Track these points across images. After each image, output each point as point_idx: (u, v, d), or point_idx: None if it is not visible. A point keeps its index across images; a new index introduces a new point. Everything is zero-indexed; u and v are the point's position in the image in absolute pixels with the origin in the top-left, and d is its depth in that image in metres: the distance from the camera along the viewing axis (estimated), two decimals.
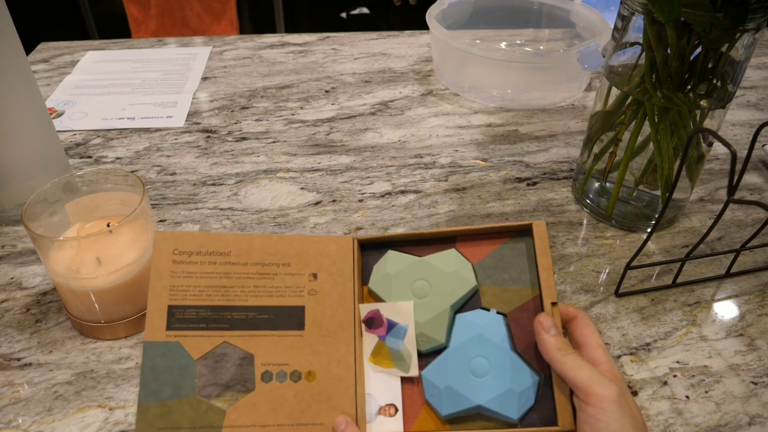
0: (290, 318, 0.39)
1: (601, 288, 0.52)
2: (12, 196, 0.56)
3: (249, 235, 0.40)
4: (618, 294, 0.51)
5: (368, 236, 0.42)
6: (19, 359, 0.45)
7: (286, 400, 0.37)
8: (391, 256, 0.42)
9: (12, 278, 0.52)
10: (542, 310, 0.39)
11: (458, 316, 0.40)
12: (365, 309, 0.40)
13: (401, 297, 0.40)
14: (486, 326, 0.38)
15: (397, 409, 0.38)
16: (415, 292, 0.40)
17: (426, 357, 0.39)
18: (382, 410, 0.38)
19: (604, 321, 0.49)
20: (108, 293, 0.44)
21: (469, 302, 0.40)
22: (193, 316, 0.37)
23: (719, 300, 0.51)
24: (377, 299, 0.41)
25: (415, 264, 0.41)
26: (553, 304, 0.38)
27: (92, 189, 0.48)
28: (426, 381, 0.38)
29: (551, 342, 0.35)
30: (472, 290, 0.40)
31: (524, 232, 0.42)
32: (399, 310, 0.40)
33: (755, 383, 0.44)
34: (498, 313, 0.39)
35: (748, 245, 0.52)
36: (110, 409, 0.42)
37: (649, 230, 0.53)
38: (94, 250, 0.44)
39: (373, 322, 0.40)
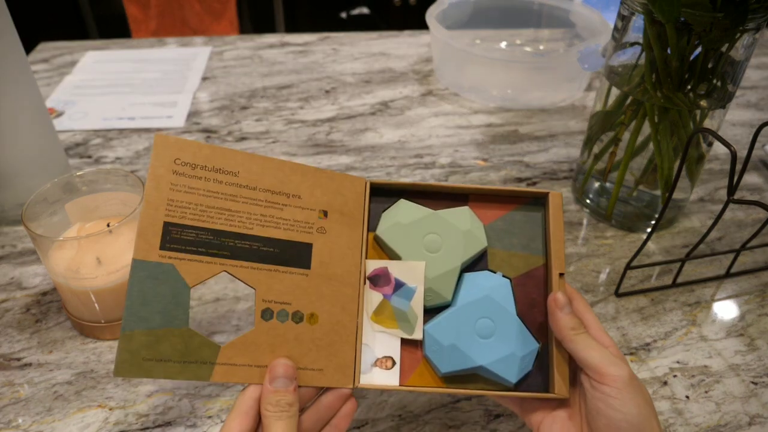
0: (297, 255, 0.36)
1: (601, 288, 0.52)
2: (12, 196, 0.56)
3: (261, 157, 0.37)
4: (618, 294, 0.51)
5: (381, 180, 0.41)
6: (19, 359, 0.45)
7: (286, 341, 0.35)
8: (403, 204, 0.40)
9: (12, 278, 0.52)
10: (547, 279, 0.39)
11: (465, 275, 0.39)
12: (372, 265, 0.39)
13: (411, 249, 0.39)
14: (494, 288, 0.38)
15: (394, 362, 0.37)
16: (427, 245, 0.39)
17: (427, 313, 0.38)
18: (378, 362, 0.37)
19: (604, 321, 0.49)
20: (108, 293, 0.44)
21: (477, 262, 0.40)
22: (192, 238, 0.34)
23: (719, 300, 0.51)
24: (384, 247, 0.39)
25: (428, 217, 0.40)
26: (561, 275, 0.38)
27: (92, 189, 0.48)
28: (428, 336, 0.37)
29: (565, 320, 0.35)
30: (482, 251, 0.40)
31: (539, 200, 0.41)
32: (410, 269, 0.38)
33: (755, 383, 0.44)
34: (504, 276, 0.39)
35: (748, 245, 0.52)
36: (110, 409, 0.42)
37: (649, 230, 0.53)
38: (94, 250, 0.44)
39: (379, 279, 0.39)
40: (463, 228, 0.40)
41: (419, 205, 0.40)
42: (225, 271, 0.34)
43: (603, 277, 0.53)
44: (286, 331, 0.35)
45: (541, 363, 0.38)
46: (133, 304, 0.32)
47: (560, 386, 0.36)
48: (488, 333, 0.37)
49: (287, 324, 0.35)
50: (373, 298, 0.38)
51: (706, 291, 0.52)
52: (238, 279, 0.35)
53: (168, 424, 0.41)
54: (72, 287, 0.43)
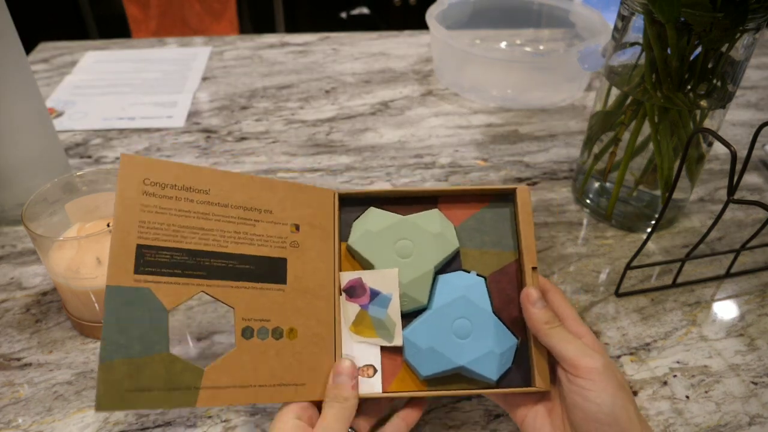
0: (272, 270, 0.36)
1: (601, 288, 0.52)
2: (12, 196, 0.56)
3: (231, 173, 0.36)
4: (618, 294, 0.51)
5: (349, 191, 0.41)
6: (19, 359, 0.45)
7: (268, 358, 0.34)
8: (373, 213, 0.41)
9: (12, 278, 0.52)
10: (521, 274, 0.39)
11: (440, 277, 0.40)
12: (346, 277, 0.39)
13: (384, 256, 0.39)
14: (468, 288, 0.39)
15: (375, 370, 0.37)
16: (399, 251, 0.39)
17: (405, 317, 0.39)
18: (360, 371, 0.37)
19: (604, 321, 0.49)
20: None
21: (450, 263, 0.40)
22: (167, 260, 0.33)
23: (719, 300, 0.51)
24: (357, 257, 0.40)
25: (398, 223, 0.40)
26: (534, 269, 0.39)
27: (92, 189, 0.48)
28: (407, 341, 0.38)
29: (538, 315, 0.35)
30: (455, 252, 0.40)
31: (507, 196, 0.42)
32: (383, 277, 0.39)
33: (755, 383, 0.44)
34: (477, 275, 0.40)
35: (748, 245, 0.52)
36: (104, 411, 0.42)
37: (649, 230, 0.53)
38: (94, 250, 0.44)
39: (354, 291, 0.39)
40: (434, 231, 0.40)
41: (389, 212, 0.41)
42: (203, 291, 0.34)
43: (603, 277, 0.53)
44: (267, 348, 0.35)
45: (521, 358, 0.38)
46: (110, 332, 0.30)
47: (540, 379, 0.36)
48: (466, 333, 0.38)
49: (268, 341, 0.35)
50: (350, 309, 0.38)
51: (706, 291, 0.52)
52: (217, 299, 0.34)
53: (168, 424, 0.41)
54: (72, 287, 0.43)
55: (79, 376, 0.44)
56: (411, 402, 0.38)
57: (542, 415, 0.36)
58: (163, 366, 0.31)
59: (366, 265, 0.40)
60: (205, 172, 0.35)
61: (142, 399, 0.30)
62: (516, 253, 0.40)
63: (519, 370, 0.38)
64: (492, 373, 0.37)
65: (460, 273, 0.40)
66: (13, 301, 0.50)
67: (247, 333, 0.34)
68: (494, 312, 0.39)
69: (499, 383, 0.37)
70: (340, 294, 0.39)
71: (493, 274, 0.40)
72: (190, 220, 0.34)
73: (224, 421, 0.41)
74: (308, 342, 0.36)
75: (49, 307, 0.49)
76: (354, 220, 0.41)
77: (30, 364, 0.45)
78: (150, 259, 0.32)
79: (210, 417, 0.41)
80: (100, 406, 0.29)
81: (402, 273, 0.39)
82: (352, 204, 0.41)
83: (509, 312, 0.39)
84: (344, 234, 0.40)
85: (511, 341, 0.38)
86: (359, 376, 0.37)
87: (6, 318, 0.48)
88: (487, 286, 0.39)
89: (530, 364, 0.37)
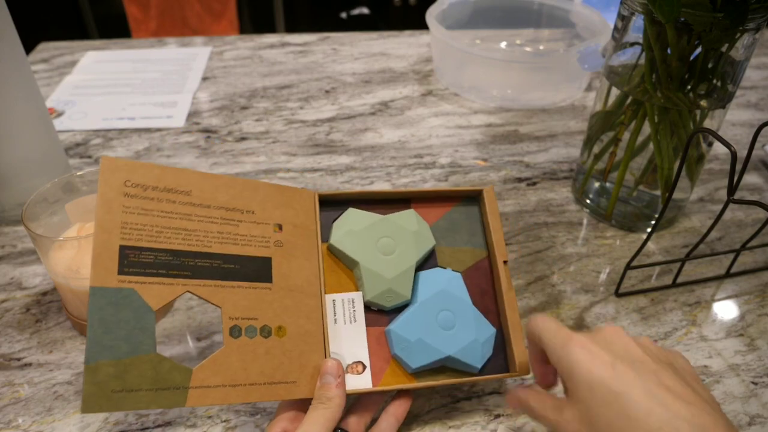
0: (258, 269, 0.36)
1: (601, 288, 0.52)
2: (12, 196, 0.56)
3: (212, 175, 0.37)
4: (618, 294, 0.51)
5: (327, 192, 0.42)
6: (19, 359, 0.45)
7: (258, 357, 0.34)
8: (352, 213, 0.42)
9: (12, 278, 0.52)
10: (492, 268, 0.43)
11: (419, 273, 0.42)
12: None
13: (367, 253, 0.41)
14: (448, 282, 0.41)
15: (364, 367, 0.38)
16: (381, 249, 0.41)
17: (390, 313, 0.41)
18: (349, 368, 0.38)
19: (604, 321, 0.49)
20: None
21: (426, 261, 0.43)
22: (150, 260, 0.33)
23: (719, 300, 0.51)
24: (339, 255, 0.41)
25: (379, 222, 0.42)
26: (504, 262, 0.42)
27: (92, 189, 0.48)
28: (395, 335, 0.39)
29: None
30: (431, 249, 0.43)
31: (474, 197, 0.45)
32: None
33: (755, 383, 0.44)
34: (453, 271, 0.42)
35: (748, 245, 0.52)
36: (90, 413, 0.42)
37: (649, 230, 0.53)
38: None
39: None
40: (413, 229, 0.42)
41: (368, 212, 0.42)
42: (188, 291, 0.34)
43: (603, 277, 0.53)
44: (256, 346, 0.35)
45: (498, 347, 0.41)
46: (95, 333, 0.30)
47: (519, 365, 0.39)
48: (450, 324, 0.40)
49: (256, 339, 0.35)
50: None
51: (706, 291, 0.52)
52: (202, 298, 0.34)
53: (168, 424, 0.41)
54: (72, 287, 0.43)
55: (79, 376, 0.44)
56: (398, 396, 0.39)
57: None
58: (151, 366, 0.31)
59: (349, 263, 0.41)
60: (186, 173, 0.36)
61: (129, 400, 0.30)
62: (486, 251, 0.44)
63: (499, 357, 0.41)
64: (476, 361, 0.39)
65: (437, 269, 0.42)
66: (13, 301, 0.50)
67: (234, 332, 0.34)
68: (473, 304, 0.41)
69: (481, 371, 0.40)
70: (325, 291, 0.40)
71: (467, 270, 0.43)
72: (172, 221, 0.34)
73: (224, 421, 0.41)
74: (298, 340, 0.36)
75: (49, 307, 0.49)
76: (332, 221, 0.42)
77: (30, 364, 0.45)
78: (133, 260, 0.32)
79: (210, 417, 0.41)
80: (86, 408, 0.29)
81: (386, 269, 0.41)
82: (328, 205, 0.43)
83: (484, 304, 0.42)
84: (323, 235, 0.42)
85: (490, 330, 0.41)
86: (349, 374, 0.38)
87: (6, 318, 0.48)
88: (463, 281, 0.42)
89: (508, 351, 0.40)
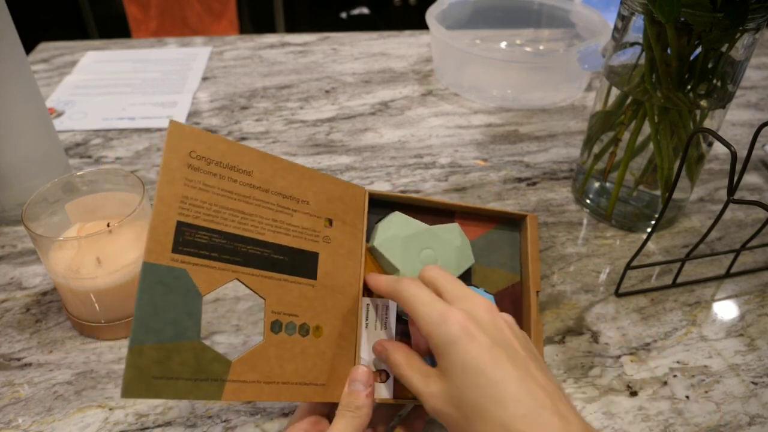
0: (304, 264, 0.35)
1: (601, 288, 0.52)
2: (12, 196, 0.56)
3: (273, 157, 0.34)
4: (618, 294, 0.51)
5: (378, 191, 0.41)
6: (19, 359, 0.45)
7: (294, 355, 0.33)
8: (397, 217, 0.41)
9: (12, 278, 0.52)
10: (521, 296, 0.43)
11: None
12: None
13: (408, 261, 0.40)
14: None
15: (388, 376, 0.38)
16: (423, 259, 0.40)
17: None
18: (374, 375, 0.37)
19: (604, 321, 0.49)
20: (108, 293, 0.44)
21: (462, 278, 0.42)
22: (205, 241, 0.31)
23: (719, 300, 0.51)
24: (379, 258, 0.40)
25: (423, 232, 0.41)
26: (537, 293, 0.42)
27: (92, 189, 0.48)
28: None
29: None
30: (470, 266, 0.42)
31: (516, 222, 0.45)
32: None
33: (755, 383, 0.44)
34: (486, 292, 0.41)
35: (748, 245, 0.52)
36: (110, 409, 0.42)
37: (649, 230, 0.53)
38: (94, 250, 0.44)
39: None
40: (456, 244, 0.41)
41: (413, 219, 0.41)
42: (237, 279, 0.32)
43: (603, 277, 0.53)
44: (293, 344, 0.33)
45: None
46: (143, 313, 0.28)
47: None
48: None
49: (295, 337, 0.33)
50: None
51: (706, 291, 0.52)
52: (250, 288, 0.33)
53: (168, 424, 0.41)
54: (72, 287, 0.43)
55: (79, 376, 0.44)
56: (414, 411, 0.38)
57: None
58: (193, 354, 0.29)
59: (388, 269, 0.40)
60: (250, 152, 0.34)
61: (169, 388, 0.28)
62: (518, 276, 0.43)
63: None
64: None
65: (472, 288, 0.41)
66: (13, 301, 0.50)
67: (275, 327, 0.33)
68: None
69: None
70: (364, 294, 0.38)
71: (499, 292, 0.42)
72: (231, 202, 0.32)
73: (224, 421, 0.41)
74: (332, 342, 0.35)
75: (49, 307, 0.49)
76: (375, 222, 0.41)
77: (30, 364, 0.45)
78: (189, 239, 0.30)
79: (210, 417, 0.41)
80: (127, 392, 0.27)
81: None
82: (374, 205, 0.41)
83: None
84: (367, 235, 0.41)
85: None
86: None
87: (6, 318, 0.48)
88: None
89: None
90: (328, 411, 0.36)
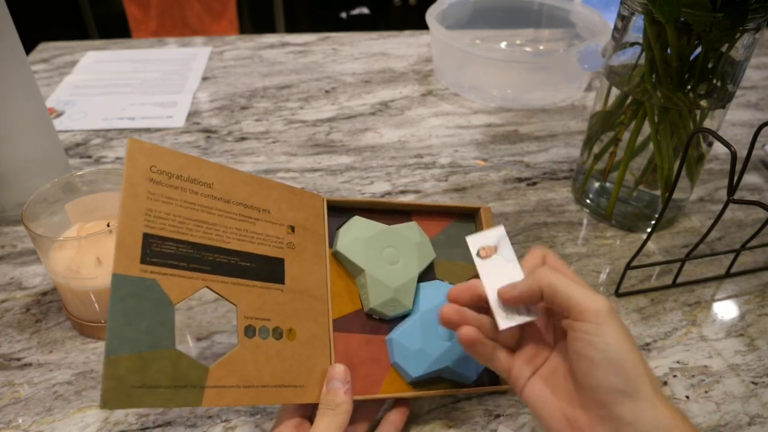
0: (272, 270, 0.36)
1: (601, 288, 0.52)
2: (12, 196, 0.56)
3: (231, 169, 0.36)
4: (618, 294, 0.51)
5: (335, 198, 0.43)
6: (19, 359, 0.45)
7: (270, 358, 0.34)
8: (358, 221, 0.43)
9: (12, 278, 0.52)
10: None
11: (420, 284, 0.42)
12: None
13: (373, 261, 0.41)
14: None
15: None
16: (386, 258, 0.42)
17: (389, 322, 0.41)
18: None
19: None
20: (108, 293, 0.44)
21: (426, 273, 0.43)
22: (172, 251, 0.32)
23: (719, 300, 0.51)
24: (344, 261, 0.41)
25: (384, 231, 0.42)
26: None
27: (92, 189, 0.48)
28: (397, 344, 0.39)
29: (546, 266, 0.34)
30: (432, 261, 0.44)
31: (471, 215, 0.47)
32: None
33: (755, 383, 0.44)
34: (450, 284, 0.43)
35: (748, 245, 0.52)
36: (110, 409, 0.42)
37: (649, 230, 0.53)
38: (94, 250, 0.44)
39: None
40: (416, 240, 0.43)
41: (373, 221, 0.43)
42: (207, 286, 0.33)
43: (603, 277, 0.53)
44: (268, 348, 0.34)
45: None
46: (116, 324, 0.29)
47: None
48: (450, 335, 0.40)
49: (269, 341, 0.34)
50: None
51: (706, 291, 0.52)
52: (220, 295, 0.34)
53: (168, 424, 0.41)
54: (72, 287, 0.43)
55: (79, 376, 0.44)
56: (397, 405, 0.39)
57: (542, 379, 0.34)
58: (170, 362, 0.30)
59: (353, 271, 0.41)
60: (209, 165, 0.35)
61: (148, 396, 0.29)
62: None
63: (489, 371, 0.41)
64: (471, 372, 0.40)
65: (437, 282, 0.43)
66: (13, 301, 0.50)
67: (249, 332, 0.34)
68: None
69: (475, 382, 0.40)
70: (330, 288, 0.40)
71: None
72: (194, 213, 0.34)
73: (224, 421, 0.41)
74: (307, 344, 0.36)
75: (49, 307, 0.49)
76: (336, 228, 0.42)
77: (30, 364, 0.45)
78: (156, 249, 0.31)
79: (210, 417, 0.41)
80: (106, 403, 0.27)
81: (390, 279, 0.41)
82: (332, 211, 0.43)
83: None
84: (330, 241, 0.42)
85: None
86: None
87: (6, 318, 0.48)
88: None
89: None
90: (309, 414, 0.36)
